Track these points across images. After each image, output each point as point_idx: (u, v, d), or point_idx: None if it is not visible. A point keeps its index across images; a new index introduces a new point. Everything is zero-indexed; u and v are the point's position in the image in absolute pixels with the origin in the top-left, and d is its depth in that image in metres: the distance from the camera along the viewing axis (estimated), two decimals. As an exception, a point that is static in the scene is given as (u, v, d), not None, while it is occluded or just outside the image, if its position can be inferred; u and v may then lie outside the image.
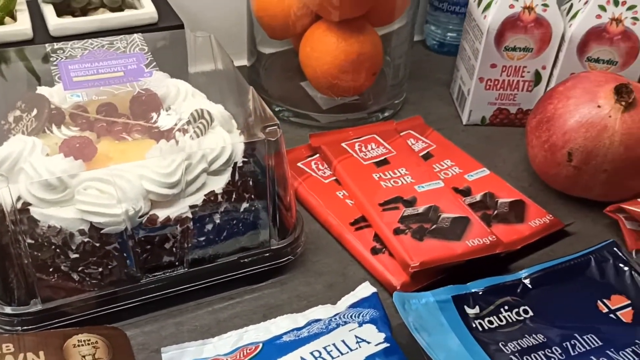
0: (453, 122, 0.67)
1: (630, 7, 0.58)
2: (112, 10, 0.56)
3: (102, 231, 0.40)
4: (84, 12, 0.56)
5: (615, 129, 0.50)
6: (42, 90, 0.47)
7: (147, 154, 0.42)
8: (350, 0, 0.56)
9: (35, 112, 0.44)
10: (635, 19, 0.58)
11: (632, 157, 0.50)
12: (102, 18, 0.53)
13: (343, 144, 0.58)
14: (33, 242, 0.40)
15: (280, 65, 0.69)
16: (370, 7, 0.59)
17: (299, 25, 0.60)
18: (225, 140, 0.44)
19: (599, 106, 0.51)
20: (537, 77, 0.63)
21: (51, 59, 0.47)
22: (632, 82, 0.53)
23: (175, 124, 0.44)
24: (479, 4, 0.63)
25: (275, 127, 0.43)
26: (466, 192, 0.54)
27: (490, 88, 0.63)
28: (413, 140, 0.61)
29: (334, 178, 0.55)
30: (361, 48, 0.59)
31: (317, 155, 0.58)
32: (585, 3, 0.59)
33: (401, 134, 0.61)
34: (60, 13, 0.55)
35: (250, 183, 0.47)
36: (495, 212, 0.52)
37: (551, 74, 0.63)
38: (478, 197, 0.53)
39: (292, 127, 0.64)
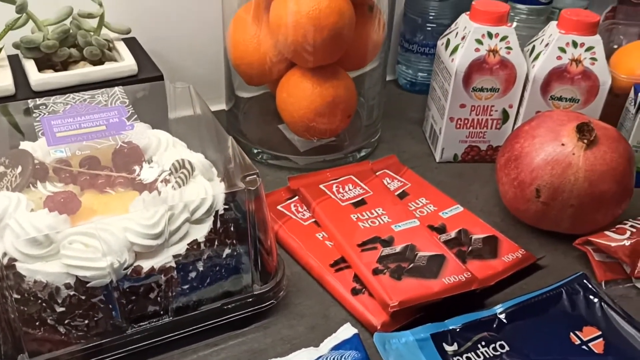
0: (426, 159, 0.69)
1: (588, 49, 0.61)
2: (93, 63, 0.58)
3: (87, 284, 0.41)
4: (65, 65, 0.58)
5: (579, 165, 0.52)
6: (25, 145, 0.48)
7: (130, 206, 0.43)
8: (324, 49, 0.58)
9: (19, 168, 0.45)
10: (593, 59, 0.61)
11: (596, 192, 0.52)
12: (83, 72, 0.55)
13: (321, 186, 0.59)
14: (19, 297, 0.40)
15: (258, 108, 0.70)
16: (342, 54, 0.61)
17: (275, 72, 0.62)
18: (207, 191, 0.45)
19: (563, 144, 0.53)
20: (505, 115, 0.65)
21: (34, 114, 0.49)
22: (593, 119, 0.56)
23: (158, 176, 0.45)
24: (446, 48, 0.65)
25: (255, 176, 0.45)
26: (441, 230, 0.56)
27: (461, 127, 0.66)
28: (389, 180, 0.63)
29: (314, 220, 0.56)
30: (335, 92, 0.61)
31: (297, 197, 0.59)
32: (546, 45, 0.62)
33: (377, 173, 0.63)
34: (41, 67, 0.57)
35: (232, 229, 0.48)
36: (470, 248, 0.54)
37: (518, 112, 0.65)
38: (453, 234, 0.55)
39: (271, 170, 0.65)
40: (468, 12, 0.64)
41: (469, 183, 0.65)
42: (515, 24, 0.82)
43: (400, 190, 0.61)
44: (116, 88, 0.52)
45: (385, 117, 0.74)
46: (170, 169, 0.47)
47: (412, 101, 0.81)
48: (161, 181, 0.46)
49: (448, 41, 0.66)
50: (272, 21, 0.59)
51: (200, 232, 0.45)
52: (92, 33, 0.58)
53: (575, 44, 0.61)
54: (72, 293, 0.40)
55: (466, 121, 0.66)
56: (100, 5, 0.58)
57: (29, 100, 0.50)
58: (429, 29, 0.78)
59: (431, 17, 0.77)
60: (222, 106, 0.72)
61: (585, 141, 0.53)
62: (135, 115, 0.50)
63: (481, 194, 0.64)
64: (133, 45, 0.62)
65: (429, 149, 0.71)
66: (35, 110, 0.49)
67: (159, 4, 0.66)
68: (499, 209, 0.61)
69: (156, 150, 0.49)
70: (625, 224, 0.54)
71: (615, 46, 0.85)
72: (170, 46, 0.69)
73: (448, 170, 0.67)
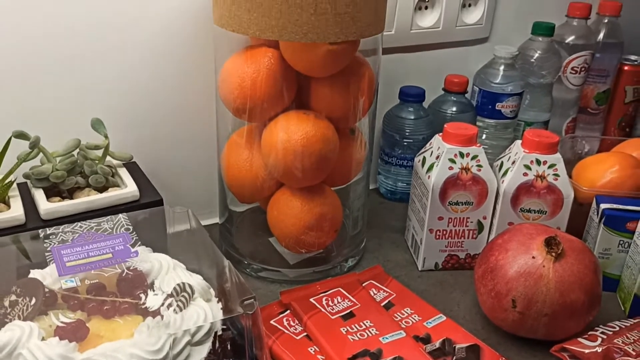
0: (409, 268, 0.73)
1: (551, 166, 0.67)
2: (97, 189, 0.62)
3: (96, 410, 0.43)
4: (71, 192, 0.62)
5: (550, 277, 0.57)
6: (35, 273, 0.51)
7: (135, 332, 0.46)
8: (311, 172, 0.63)
9: (30, 296, 0.48)
10: (556, 175, 0.67)
11: (567, 302, 0.57)
12: (89, 200, 0.59)
13: (311, 299, 0.63)
14: None
15: (249, 222, 0.75)
16: (328, 173, 0.67)
17: (265, 191, 0.67)
18: (207, 315, 0.48)
19: (533, 257, 0.58)
20: (480, 226, 0.70)
21: (45, 244, 0.52)
22: (560, 232, 0.61)
23: (164, 301, 0.49)
24: (423, 165, 0.71)
25: (252, 300, 0.48)
26: (426, 340, 0.59)
27: (440, 237, 0.71)
28: (375, 290, 0.66)
29: (305, 334, 0.59)
30: (322, 209, 0.66)
31: (288, 311, 0.63)
32: (513, 162, 0.69)
33: (364, 284, 0.67)
34: (49, 194, 0.61)
35: (229, 347, 0.51)
36: (454, 358, 0.57)
37: (492, 223, 0.70)
38: (437, 344, 0.58)
39: (263, 283, 0.69)
40: (441, 134, 0.70)
41: (450, 291, 0.69)
42: (484, 136, 0.90)
43: (386, 301, 0.65)
44: (120, 215, 0.57)
45: (369, 226, 0.79)
46: (171, 292, 0.50)
47: (394, 209, 0.86)
48: (163, 305, 0.49)
49: (424, 159, 0.72)
50: (264, 146, 0.64)
51: (200, 354, 0.48)
52: (97, 162, 0.63)
53: (538, 162, 0.67)
54: (80, 420, 0.43)
55: (444, 232, 0.70)
56: (106, 137, 0.63)
57: (40, 230, 0.54)
58: (406, 143, 0.85)
59: (407, 133, 0.84)
60: (216, 219, 0.76)
61: (554, 254, 0.57)
62: (140, 242, 0.54)
63: (462, 301, 0.67)
64: (134, 169, 0.67)
65: (412, 258, 0.75)
66: (45, 240, 0.53)
67: (159, 131, 0.72)
68: (479, 316, 0.65)
69: (158, 274, 0.53)
70: (597, 330, 0.58)
71: (580, 151, 0.92)
72: (168, 167, 0.74)
73: (430, 279, 0.71)
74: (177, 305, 0.49)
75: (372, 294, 0.65)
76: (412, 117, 0.84)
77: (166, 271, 0.53)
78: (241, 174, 0.67)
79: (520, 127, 0.92)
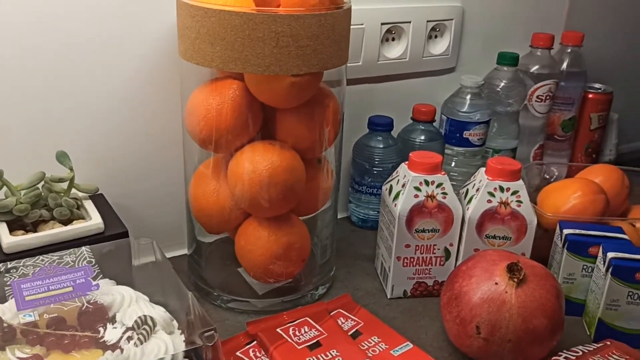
0: (379, 296, 0.73)
1: (514, 193, 0.68)
2: (62, 222, 0.62)
3: None
4: (36, 225, 0.62)
5: (512, 303, 0.57)
6: (-6, 308, 0.51)
7: (94, 366, 0.46)
8: (277, 202, 0.64)
9: (-12, 332, 0.47)
10: (519, 201, 0.68)
11: (530, 328, 0.57)
12: (53, 233, 0.59)
13: (278, 330, 0.63)
14: None
15: (218, 253, 0.75)
16: (295, 203, 0.67)
17: (233, 222, 0.68)
18: (168, 348, 0.48)
19: (496, 283, 0.59)
20: (447, 253, 0.71)
21: (5, 278, 0.52)
22: (522, 258, 0.62)
23: (122, 335, 0.48)
24: (390, 193, 0.72)
25: (212, 332, 0.48)
26: (393, 368, 0.59)
27: (407, 265, 0.71)
28: (343, 319, 0.66)
29: (271, 365, 0.59)
30: (290, 239, 0.66)
31: (255, 342, 0.62)
32: (477, 190, 0.70)
33: (331, 313, 0.67)
34: (12, 227, 0.61)
35: (191, 379, 0.50)
36: (420, 386, 0.57)
37: (458, 249, 0.71)
38: (403, 372, 0.59)
39: (231, 314, 0.69)
40: (407, 162, 0.71)
41: (418, 319, 0.69)
42: (453, 163, 0.91)
43: (354, 330, 0.65)
44: (83, 248, 0.56)
45: (339, 254, 0.80)
46: (133, 326, 0.50)
47: (365, 237, 0.86)
48: (124, 339, 0.49)
49: (391, 187, 0.73)
50: (230, 177, 0.65)
51: (162, 387, 0.47)
52: (62, 194, 0.63)
53: (502, 189, 0.69)
54: None
55: (412, 259, 0.71)
56: (71, 169, 0.63)
57: (1, 264, 0.53)
58: (376, 172, 0.86)
59: (377, 162, 0.85)
60: (185, 250, 0.76)
61: (516, 280, 0.58)
62: (101, 275, 0.54)
63: (430, 329, 0.68)
64: (100, 201, 0.67)
65: (381, 285, 0.75)
66: (6, 274, 0.52)
67: (126, 163, 0.72)
68: (446, 343, 0.65)
69: (120, 307, 0.53)
70: (560, 355, 0.58)
71: (549, 177, 0.94)
72: (135, 199, 0.74)
73: (399, 307, 0.71)
74: (138, 339, 0.49)
75: (340, 323, 0.65)
76: (381, 146, 0.85)
77: (128, 304, 0.53)
78: (208, 205, 0.67)
79: (488, 154, 0.94)
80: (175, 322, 0.53)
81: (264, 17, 0.56)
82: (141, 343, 0.49)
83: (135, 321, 0.50)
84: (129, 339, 0.49)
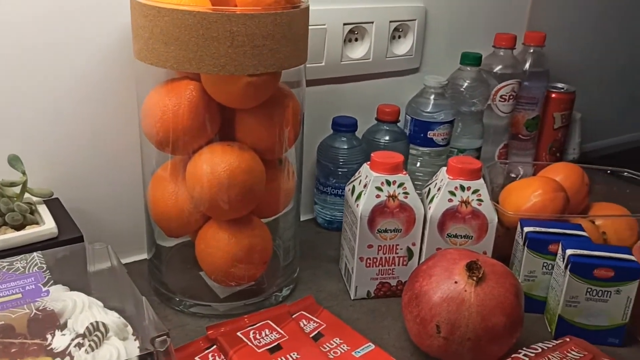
0: (342, 297, 0.73)
1: (474, 191, 0.69)
2: (15, 227, 0.60)
3: None
4: (-14, 230, 0.60)
5: (471, 301, 0.57)
6: (-61, 317, 0.49)
7: (42, 375, 0.45)
8: (237, 204, 0.63)
9: None
10: (480, 200, 0.69)
11: (489, 326, 0.57)
12: (4, 238, 0.57)
13: (238, 333, 0.62)
14: None
15: (179, 256, 0.74)
16: (256, 205, 0.66)
17: (192, 225, 0.67)
18: (120, 355, 0.47)
19: (455, 282, 0.59)
20: (410, 252, 0.71)
21: (-50, 286, 0.50)
22: (482, 256, 0.62)
23: (71, 341, 0.47)
24: (352, 194, 0.72)
25: (165, 336, 0.47)
26: (354, 370, 0.59)
27: (370, 265, 0.71)
28: (305, 322, 0.66)
29: (231, 369, 0.58)
30: (251, 241, 0.66)
31: (215, 346, 0.61)
32: (439, 189, 0.70)
33: (293, 316, 0.66)
34: (-38, 233, 0.59)
35: (146, 386, 0.49)
36: (381, 387, 0.57)
37: (421, 249, 0.71)
38: (364, 373, 0.58)
39: (192, 319, 0.67)
40: (369, 163, 0.71)
41: (382, 319, 0.69)
42: (418, 164, 0.91)
43: (316, 332, 0.64)
44: (35, 254, 0.55)
45: (304, 256, 0.79)
46: (84, 332, 0.49)
47: (330, 239, 0.86)
48: (74, 346, 0.47)
49: (353, 188, 0.72)
50: (188, 179, 0.64)
51: (114, 394, 0.46)
52: (14, 199, 0.61)
53: (463, 188, 0.69)
54: None
55: (375, 260, 0.71)
56: (24, 173, 0.62)
57: (-54, 271, 0.52)
58: (341, 173, 0.85)
59: (341, 163, 0.85)
60: (144, 255, 0.75)
61: (475, 278, 0.58)
62: (52, 281, 0.52)
63: (393, 329, 0.67)
64: (55, 206, 0.65)
65: (345, 287, 0.75)
66: (-48, 282, 0.51)
67: (82, 166, 0.71)
68: (409, 343, 0.65)
69: (71, 313, 0.51)
70: (520, 352, 0.58)
71: (514, 175, 0.95)
72: (93, 203, 0.72)
73: (363, 307, 0.71)
74: (89, 345, 0.48)
75: (302, 325, 0.65)
76: (346, 147, 0.85)
77: (80, 310, 0.52)
78: (167, 208, 0.66)
79: (453, 154, 0.94)
80: (129, 328, 0.52)
81: (218, 17, 0.55)
82: (92, 350, 0.48)
83: (87, 327, 0.49)
84: (80, 345, 0.47)
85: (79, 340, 0.48)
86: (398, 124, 0.89)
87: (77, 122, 0.69)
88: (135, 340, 0.51)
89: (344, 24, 0.84)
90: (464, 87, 0.93)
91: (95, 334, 0.49)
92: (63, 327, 0.50)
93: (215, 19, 0.55)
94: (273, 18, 0.57)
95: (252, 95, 0.61)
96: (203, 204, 0.63)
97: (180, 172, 0.65)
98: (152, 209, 0.67)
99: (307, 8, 0.62)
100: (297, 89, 0.67)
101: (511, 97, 0.98)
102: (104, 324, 0.49)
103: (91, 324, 0.49)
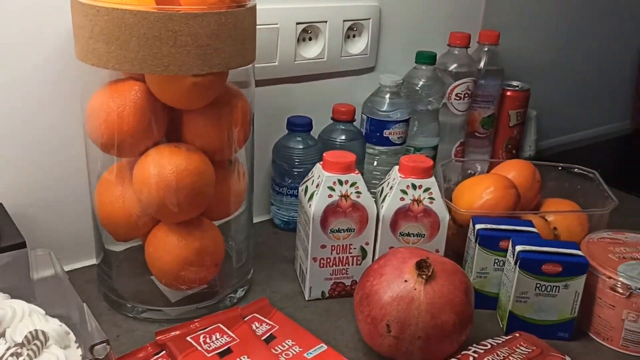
0: (297, 298, 0.72)
1: (426, 190, 0.69)
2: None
3: None
4: None
5: (421, 300, 0.57)
6: None
7: (-26, 387, 0.43)
8: (185, 207, 0.62)
9: None
10: (431, 198, 0.69)
11: (439, 324, 0.57)
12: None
13: (188, 338, 0.61)
14: None
15: (130, 261, 0.72)
16: (206, 207, 0.65)
17: (141, 228, 0.65)
18: (57, 362, 0.46)
19: (405, 281, 0.59)
20: (363, 252, 0.71)
21: None
22: (432, 254, 0.62)
23: (6, 351, 0.46)
24: (305, 194, 0.71)
25: (104, 344, 0.46)
26: (305, 371, 0.58)
27: (324, 266, 0.70)
28: (257, 324, 0.65)
29: (179, 375, 0.57)
30: (201, 244, 0.65)
31: (164, 352, 0.60)
32: (391, 188, 0.70)
33: (246, 318, 0.65)
34: None
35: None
36: (332, 388, 0.56)
37: (374, 248, 0.71)
38: (316, 375, 0.58)
39: (142, 324, 0.66)
40: (321, 162, 0.71)
41: (336, 319, 0.69)
42: (375, 163, 0.91)
43: (268, 334, 0.63)
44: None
45: (259, 257, 0.78)
46: (22, 341, 0.47)
47: (287, 240, 0.85)
48: (11, 355, 0.46)
49: (306, 188, 0.72)
50: (135, 182, 0.62)
51: (52, 405, 0.45)
52: (-48, 205, 0.59)
53: (414, 187, 0.69)
54: None
55: (328, 260, 0.70)
56: (-39, 178, 0.60)
57: None
58: (296, 173, 0.85)
59: (296, 163, 0.84)
60: (93, 261, 0.73)
61: (424, 277, 0.58)
62: (-11, 289, 0.50)
63: (347, 329, 0.67)
64: (-2, 211, 0.64)
65: (300, 288, 0.74)
66: None
67: (27, 172, 0.69)
68: (362, 343, 0.65)
69: (10, 322, 0.50)
70: (469, 349, 0.59)
71: (472, 172, 0.95)
72: (38, 208, 0.70)
73: (317, 308, 0.71)
74: (28, 355, 0.46)
75: (254, 328, 0.64)
76: (301, 147, 0.85)
77: (20, 318, 0.50)
78: (114, 212, 0.64)
79: (410, 152, 0.95)
80: (72, 336, 0.51)
81: (160, 16, 0.54)
82: (30, 359, 0.46)
83: (26, 336, 0.47)
84: (17, 355, 0.46)
85: (17, 349, 0.47)
86: (354, 123, 0.89)
87: (20, 126, 0.67)
88: (77, 348, 0.50)
89: (297, 23, 0.83)
90: (419, 85, 0.93)
91: (34, 343, 0.47)
92: (2, 335, 0.48)
93: (156, 18, 0.54)
94: (217, 17, 0.56)
95: (198, 95, 0.60)
96: (151, 207, 0.62)
97: (127, 175, 0.63)
98: (99, 213, 0.66)
99: (254, 7, 0.62)
100: (246, 89, 0.67)
101: (466, 95, 0.98)
102: (43, 332, 0.48)
103: (30, 332, 0.48)
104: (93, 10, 0.55)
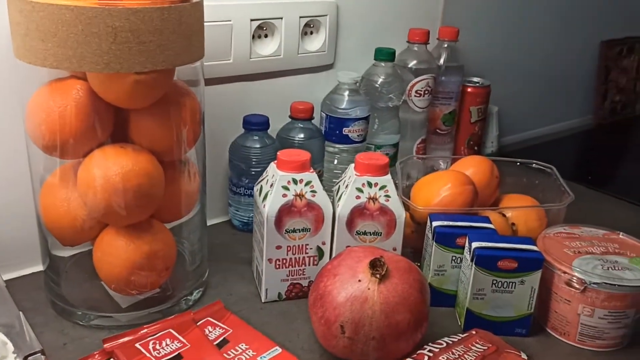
0: (253, 301, 0.71)
1: (382, 187, 0.68)
2: None
3: None
4: None
5: (375, 299, 0.56)
6: None
7: None
8: (132, 210, 0.60)
9: None
10: (387, 196, 0.68)
11: (393, 323, 0.56)
12: None
13: (137, 345, 0.59)
14: None
15: (79, 267, 0.69)
16: (155, 209, 0.63)
17: (88, 232, 0.63)
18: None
19: (359, 280, 0.58)
20: (320, 252, 0.70)
21: None
22: (387, 253, 0.61)
23: None
24: (260, 194, 0.70)
25: (39, 354, 0.44)
26: (258, 376, 0.57)
27: (280, 267, 0.69)
28: (211, 328, 0.63)
29: (126, 383, 0.55)
30: (151, 248, 0.63)
31: (112, 359, 0.58)
32: (347, 186, 0.69)
33: (199, 323, 0.64)
34: None
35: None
36: (285, 392, 0.55)
37: (331, 247, 0.70)
38: (269, 379, 0.56)
39: (91, 331, 0.64)
40: (275, 161, 0.69)
41: (292, 321, 0.67)
42: (336, 161, 0.90)
43: (221, 339, 0.62)
44: None
45: (216, 259, 0.77)
46: (-47, 354, 0.45)
47: (245, 241, 0.83)
48: (-60, 370, 0.44)
49: (261, 188, 0.70)
50: (80, 185, 0.60)
51: (-18, 421, 0.43)
52: None
53: (370, 184, 0.68)
54: None
55: (284, 261, 0.69)
56: None
57: None
58: (254, 173, 0.83)
59: (254, 162, 0.83)
60: (40, 267, 0.70)
61: (378, 276, 0.57)
62: None
63: (303, 331, 0.66)
64: None
65: (257, 289, 0.73)
66: None
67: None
68: (318, 345, 0.63)
69: (-58, 334, 0.47)
70: (425, 348, 0.58)
71: (436, 169, 0.95)
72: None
73: (273, 310, 0.69)
74: (-42, 369, 0.44)
75: (207, 333, 0.62)
76: (258, 146, 0.83)
77: (-48, 330, 0.48)
78: (59, 216, 0.62)
79: (370, 150, 0.94)
80: (9, 346, 0.49)
81: (98, 11, 0.52)
82: (-39, 373, 0.44)
83: (-44, 349, 0.45)
84: (-54, 369, 0.44)
85: (-54, 363, 0.44)
86: (313, 121, 0.88)
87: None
88: (15, 358, 0.48)
89: (252, 20, 0.82)
90: (379, 82, 0.92)
91: (-35, 356, 0.45)
92: None
93: (95, 14, 0.52)
94: (160, 12, 0.55)
95: (142, 94, 0.58)
96: (97, 211, 0.60)
97: (72, 178, 0.61)
98: (43, 218, 0.63)
99: (200, 2, 0.60)
100: (196, 87, 0.65)
101: (427, 92, 0.98)
102: (-24, 345, 0.46)
103: (-38, 345, 0.45)
104: (28, 6, 0.53)
